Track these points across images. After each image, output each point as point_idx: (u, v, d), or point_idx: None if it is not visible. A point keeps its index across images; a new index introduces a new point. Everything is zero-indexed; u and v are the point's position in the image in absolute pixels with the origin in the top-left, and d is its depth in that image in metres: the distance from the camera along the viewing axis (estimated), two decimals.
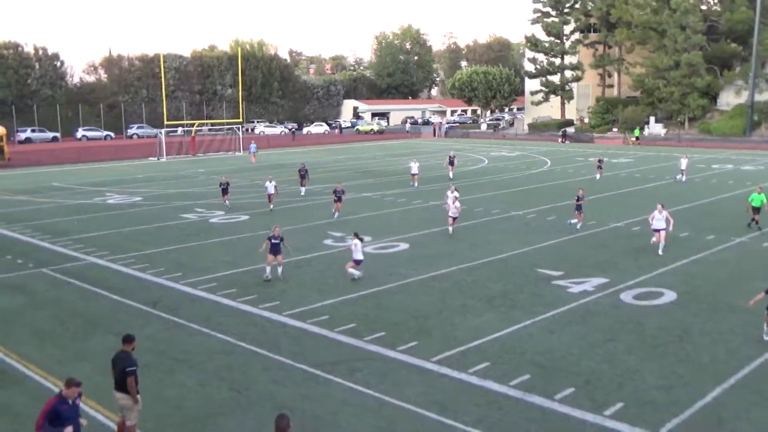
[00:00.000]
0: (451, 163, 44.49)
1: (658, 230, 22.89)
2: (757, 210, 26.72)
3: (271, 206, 32.71)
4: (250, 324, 16.82)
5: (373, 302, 18.49)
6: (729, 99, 79.28)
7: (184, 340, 15.96)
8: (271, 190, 32.58)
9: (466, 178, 44.69)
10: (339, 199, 30.36)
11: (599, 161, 45.11)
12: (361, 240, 20.62)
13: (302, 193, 37.18)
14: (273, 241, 20.14)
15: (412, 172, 40.92)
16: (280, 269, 20.43)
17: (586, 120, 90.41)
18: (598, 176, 43.64)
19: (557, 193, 37.79)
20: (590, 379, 13.41)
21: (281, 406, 12.32)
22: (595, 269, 21.43)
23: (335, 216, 30.22)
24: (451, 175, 43.83)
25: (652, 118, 79.50)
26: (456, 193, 27.73)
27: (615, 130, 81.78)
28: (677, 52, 75.96)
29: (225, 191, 33.40)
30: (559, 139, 79.87)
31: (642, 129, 77.34)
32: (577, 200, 27.51)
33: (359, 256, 20.16)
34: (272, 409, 12.08)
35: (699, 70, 76.80)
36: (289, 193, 38.04)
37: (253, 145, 60.83)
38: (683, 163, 42.72)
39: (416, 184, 40.18)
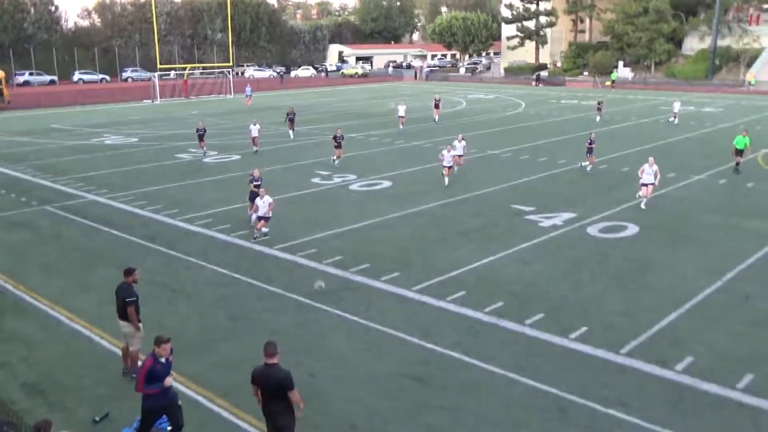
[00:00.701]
0: (437, 106, 43.76)
1: (646, 184, 21.02)
2: (740, 152, 26.41)
3: (255, 148, 31.97)
4: (244, 257, 16.87)
5: (358, 236, 18.58)
6: (693, 44, 78.73)
7: (182, 272, 16.01)
8: (255, 133, 31.83)
9: (446, 119, 44.34)
10: (339, 145, 28.52)
11: (599, 104, 44.29)
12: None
13: (291, 137, 36.53)
14: (254, 182, 19.30)
15: (399, 114, 40.04)
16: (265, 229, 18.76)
17: (559, 64, 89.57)
18: (598, 118, 42.88)
19: (531, 133, 37.73)
20: (558, 306, 13.69)
21: (275, 332, 12.49)
22: (565, 205, 21.59)
23: (336, 162, 28.45)
24: (436, 118, 43.30)
25: (620, 63, 78.86)
26: (463, 142, 26.83)
27: (586, 74, 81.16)
28: None
29: (201, 138, 31.70)
30: (533, 83, 79.23)
31: (610, 73, 76.82)
32: (589, 143, 26.99)
33: (265, 213, 17.82)
34: (267, 335, 12.22)
35: (666, 16, 76.14)
36: (278, 134, 37.67)
37: (248, 88, 59.67)
38: (676, 106, 42.34)
39: (402, 127, 39.49)
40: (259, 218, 17.94)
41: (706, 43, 75.13)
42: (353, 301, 14.06)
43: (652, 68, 79.04)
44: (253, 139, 31.99)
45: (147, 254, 17.24)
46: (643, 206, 21.01)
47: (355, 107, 54.36)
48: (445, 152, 24.56)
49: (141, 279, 11.44)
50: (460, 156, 26.35)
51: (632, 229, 18.96)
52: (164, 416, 9.12)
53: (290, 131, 37.10)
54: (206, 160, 30.68)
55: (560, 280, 15.12)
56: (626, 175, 25.90)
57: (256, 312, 13.63)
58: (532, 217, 20.27)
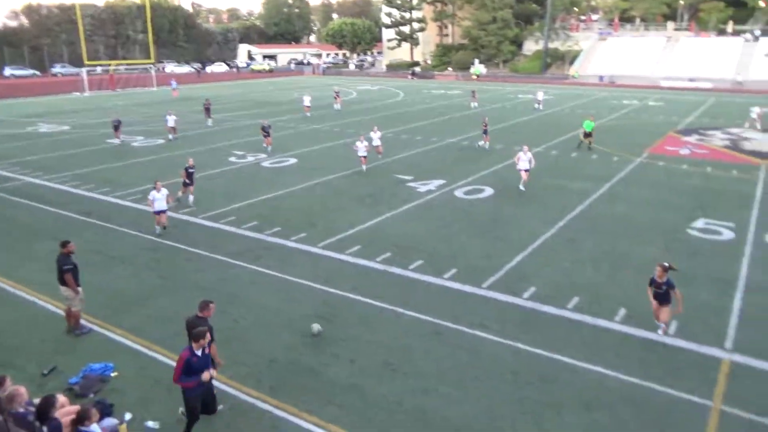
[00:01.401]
0: (337, 96, 42.65)
1: (524, 170, 19.37)
2: (589, 134, 26.48)
3: (171, 136, 29.45)
4: (172, 226, 16.08)
5: (270, 205, 18.17)
6: (530, 46, 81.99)
7: (117, 241, 15.06)
8: (171, 123, 29.29)
9: (348, 107, 43.87)
10: (268, 134, 26.16)
11: (473, 93, 45.06)
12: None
13: (209, 124, 34.64)
14: (189, 170, 17.90)
15: (305, 104, 38.58)
16: (191, 198, 18.00)
17: (429, 61, 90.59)
18: (474, 104, 43.28)
19: (409, 117, 38.08)
20: (433, 254, 14.05)
21: (203, 287, 12.07)
22: (436, 173, 22.05)
23: (268, 149, 26.05)
24: (337, 106, 41.91)
25: (476, 60, 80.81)
26: (379, 133, 24.34)
27: (450, 69, 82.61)
28: (494, 9, 77.51)
29: (117, 128, 28.94)
30: (409, 76, 79.70)
31: (468, 68, 78.66)
32: (484, 126, 27.19)
33: (161, 207, 15.26)
34: (196, 290, 11.82)
35: (510, 24, 78.86)
36: (196, 121, 35.89)
37: (173, 82, 56.00)
38: (539, 95, 43.18)
39: (308, 114, 38.25)
40: (159, 212, 15.21)
41: (540, 45, 78.47)
42: (269, 258, 13.79)
43: (501, 65, 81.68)
44: (170, 128, 29.40)
45: (84, 227, 16.06)
46: (522, 188, 19.37)
47: (264, 97, 52.58)
48: (358, 143, 22.17)
49: (81, 248, 10.71)
50: (377, 146, 23.95)
51: (489, 191, 19.67)
52: (110, 365, 8.64)
53: (208, 119, 35.20)
54: (134, 144, 28.76)
55: (435, 234, 15.50)
56: (483, 149, 26.77)
57: (185, 272, 13.08)
58: (411, 184, 20.57)
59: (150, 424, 7.86)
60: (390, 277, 12.69)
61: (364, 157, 22.16)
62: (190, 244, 14.67)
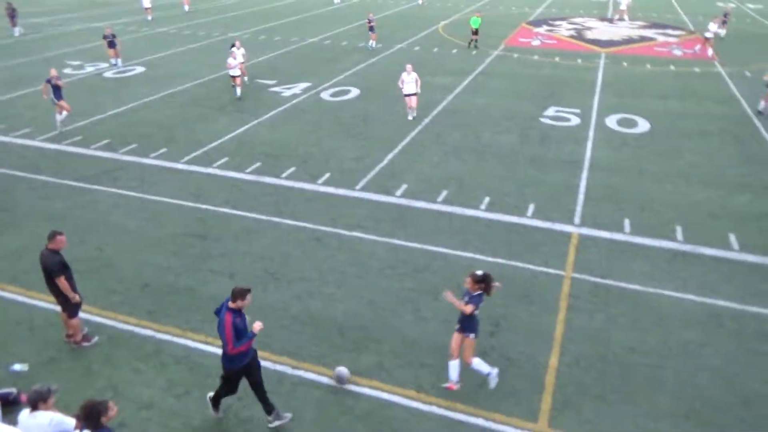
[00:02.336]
0: None
1: (409, 95, 16.24)
2: (475, 31, 25.79)
3: None
4: (6, 151, 14.20)
5: (122, 120, 16.59)
6: None
7: None
8: None
9: (195, 4, 39.92)
10: (112, 44, 22.43)
11: None
12: None
13: (17, 34, 29.09)
14: (52, 83, 15.12)
15: (145, 5, 33.83)
16: (62, 116, 15.47)
17: None
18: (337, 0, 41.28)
19: (266, 16, 35.78)
20: (306, 159, 13.89)
21: (52, 217, 11.01)
22: (300, 76, 21.32)
23: (117, 63, 22.65)
24: (186, 8, 37.26)
25: None
26: (242, 49, 19.80)
27: None
28: None
29: None
30: None
31: None
32: (369, 22, 25.78)
33: None
34: (44, 221, 10.77)
35: None
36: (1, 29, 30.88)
37: None
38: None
39: (150, 17, 33.90)
40: None
41: None
42: (127, 178, 12.80)
43: None
44: None
45: None
46: (410, 118, 16.59)
47: None
48: (230, 60, 18.47)
49: None
50: (242, 63, 19.33)
51: (355, 92, 19.50)
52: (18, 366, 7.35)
53: (14, 27, 29.19)
54: None
55: (305, 139, 15.24)
56: (345, 48, 26.15)
57: (29, 201, 11.79)
58: (275, 89, 19.75)
59: (17, 367, 7.33)
60: (263, 188, 12.43)
61: (237, 76, 18.33)
62: (32, 171, 13.13)
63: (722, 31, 29.18)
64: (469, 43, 26.42)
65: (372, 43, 26.16)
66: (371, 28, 26.02)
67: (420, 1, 41.20)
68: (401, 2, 42.58)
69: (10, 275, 9.30)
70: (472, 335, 6.92)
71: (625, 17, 34.26)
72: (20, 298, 8.78)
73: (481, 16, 27.06)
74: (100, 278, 9.20)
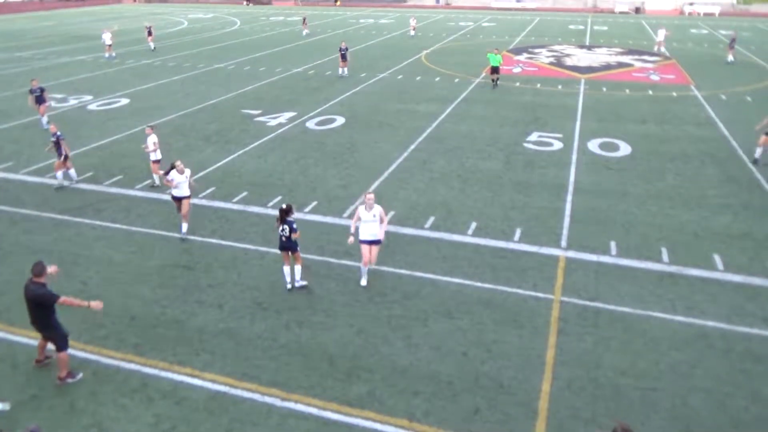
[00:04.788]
0: (149, 33, 35.69)
1: (367, 242, 9.72)
2: (495, 69, 24.08)
3: None
4: None
5: (105, 152, 16.54)
6: None
7: None
8: None
9: (169, 38, 40.29)
10: (40, 100, 18.69)
11: (303, 19, 43.42)
12: None
13: None
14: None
15: (106, 42, 31.67)
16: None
17: None
18: (306, 32, 41.80)
19: (249, 47, 36.16)
20: (292, 188, 13.91)
21: (37, 251, 10.87)
22: (286, 105, 21.49)
23: (42, 121, 20.07)
24: (152, 46, 35.50)
25: None
26: (152, 136, 13.60)
27: None
28: None
29: None
30: (245, 2, 74.98)
31: None
32: (340, 51, 26.34)
33: None
34: (28, 255, 10.61)
35: None
36: None
37: None
38: (413, 23, 42.04)
39: (110, 54, 31.84)
40: None
41: None
42: (112, 210, 12.70)
43: None
44: None
45: None
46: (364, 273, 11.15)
47: (79, 30, 46.42)
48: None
49: None
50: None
51: (340, 120, 19.67)
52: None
53: None
54: None
55: (290, 168, 15.29)
56: (329, 78, 26.46)
57: (12, 235, 11.63)
58: (260, 119, 19.86)
59: None
60: (250, 217, 12.39)
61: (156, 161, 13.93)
62: (13, 204, 12.99)
63: (730, 57, 30.40)
64: (494, 82, 24.36)
65: (343, 70, 26.65)
66: (343, 56, 26.55)
67: (412, 33, 41.86)
68: (383, 32, 43.31)
69: None
70: None
71: (663, 48, 34.52)
72: (2, 335, 8.59)
73: (499, 53, 24.63)
74: (86, 312, 9.04)
